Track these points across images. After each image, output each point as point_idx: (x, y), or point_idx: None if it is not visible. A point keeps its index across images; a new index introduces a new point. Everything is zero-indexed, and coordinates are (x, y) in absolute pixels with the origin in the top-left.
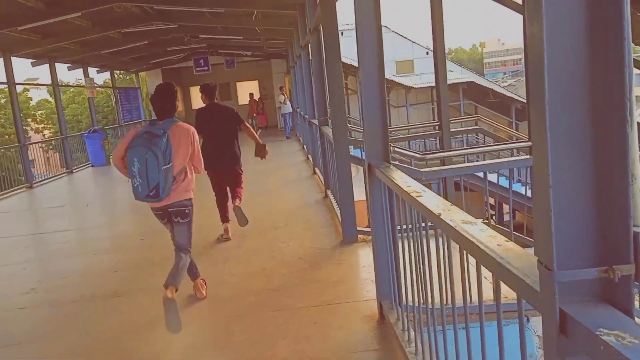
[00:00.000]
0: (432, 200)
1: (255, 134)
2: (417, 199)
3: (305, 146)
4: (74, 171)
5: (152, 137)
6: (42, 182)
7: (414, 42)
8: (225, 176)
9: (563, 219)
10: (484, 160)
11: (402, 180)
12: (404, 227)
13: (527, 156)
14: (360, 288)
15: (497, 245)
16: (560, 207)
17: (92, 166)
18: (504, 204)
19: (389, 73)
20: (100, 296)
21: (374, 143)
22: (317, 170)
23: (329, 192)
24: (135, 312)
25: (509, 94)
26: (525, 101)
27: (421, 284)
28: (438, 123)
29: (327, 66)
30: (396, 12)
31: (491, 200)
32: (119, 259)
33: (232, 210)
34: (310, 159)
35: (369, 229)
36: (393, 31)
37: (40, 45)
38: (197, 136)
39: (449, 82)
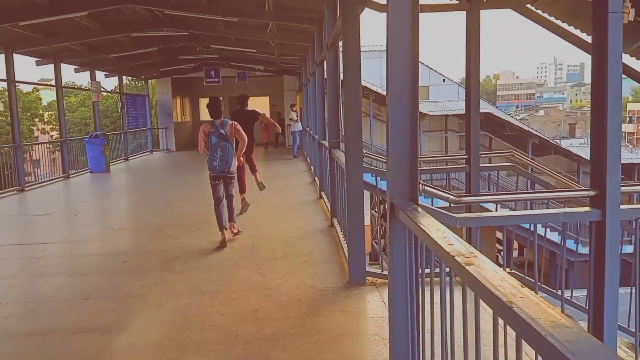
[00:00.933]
0: (491, 273)
1: (270, 119)
2: (467, 267)
3: (312, 167)
4: (70, 176)
5: (223, 138)
6: (35, 186)
7: (430, 68)
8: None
9: None
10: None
11: (438, 232)
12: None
13: (588, 208)
14: (367, 347)
15: None
16: None
17: (91, 172)
18: (513, 240)
19: None
20: (64, 330)
21: (399, 179)
22: (323, 194)
23: (335, 220)
24: (101, 355)
25: (526, 128)
26: (543, 136)
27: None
28: (466, 156)
29: (344, 82)
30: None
31: (499, 235)
32: (95, 283)
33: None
34: (317, 181)
35: (379, 270)
36: None
37: (44, 44)
38: (238, 126)
39: (464, 111)
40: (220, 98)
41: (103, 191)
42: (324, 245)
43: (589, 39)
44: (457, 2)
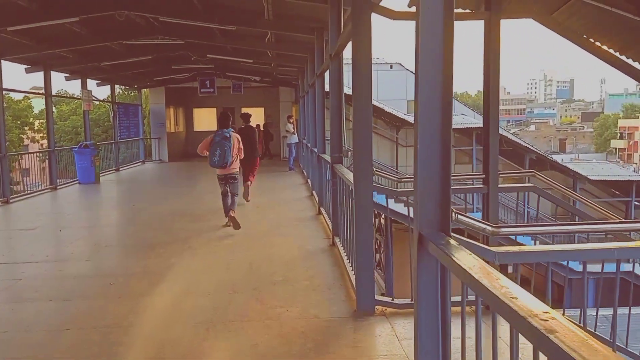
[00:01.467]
0: (585, 346)
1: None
2: (550, 337)
3: (309, 181)
4: (58, 187)
5: (225, 139)
6: (20, 197)
7: None
8: (247, 163)
9: None
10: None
11: (491, 278)
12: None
13: None
14: None
15: None
16: None
17: (80, 183)
18: None
19: (401, 112)
20: None
21: (428, 207)
22: (322, 210)
23: (337, 240)
24: None
25: (524, 144)
26: (540, 152)
27: None
28: (484, 176)
29: (354, 94)
30: (410, 51)
31: None
32: (78, 309)
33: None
34: (315, 195)
35: (389, 299)
36: (407, 69)
37: (34, 51)
38: (240, 140)
39: (462, 126)
40: (229, 112)
41: (91, 204)
42: (326, 267)
43: (609, 51)
44: (470, 11)
